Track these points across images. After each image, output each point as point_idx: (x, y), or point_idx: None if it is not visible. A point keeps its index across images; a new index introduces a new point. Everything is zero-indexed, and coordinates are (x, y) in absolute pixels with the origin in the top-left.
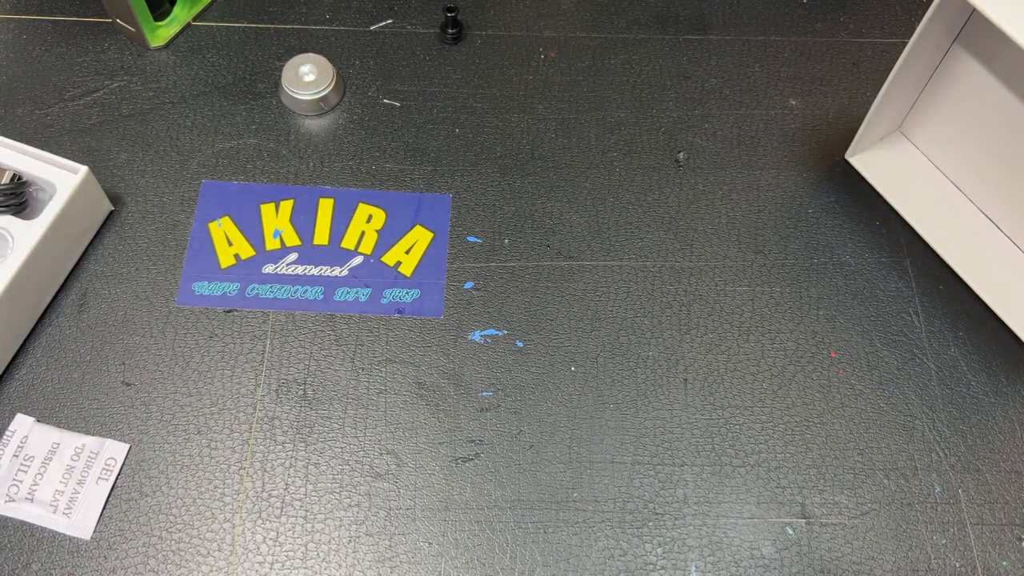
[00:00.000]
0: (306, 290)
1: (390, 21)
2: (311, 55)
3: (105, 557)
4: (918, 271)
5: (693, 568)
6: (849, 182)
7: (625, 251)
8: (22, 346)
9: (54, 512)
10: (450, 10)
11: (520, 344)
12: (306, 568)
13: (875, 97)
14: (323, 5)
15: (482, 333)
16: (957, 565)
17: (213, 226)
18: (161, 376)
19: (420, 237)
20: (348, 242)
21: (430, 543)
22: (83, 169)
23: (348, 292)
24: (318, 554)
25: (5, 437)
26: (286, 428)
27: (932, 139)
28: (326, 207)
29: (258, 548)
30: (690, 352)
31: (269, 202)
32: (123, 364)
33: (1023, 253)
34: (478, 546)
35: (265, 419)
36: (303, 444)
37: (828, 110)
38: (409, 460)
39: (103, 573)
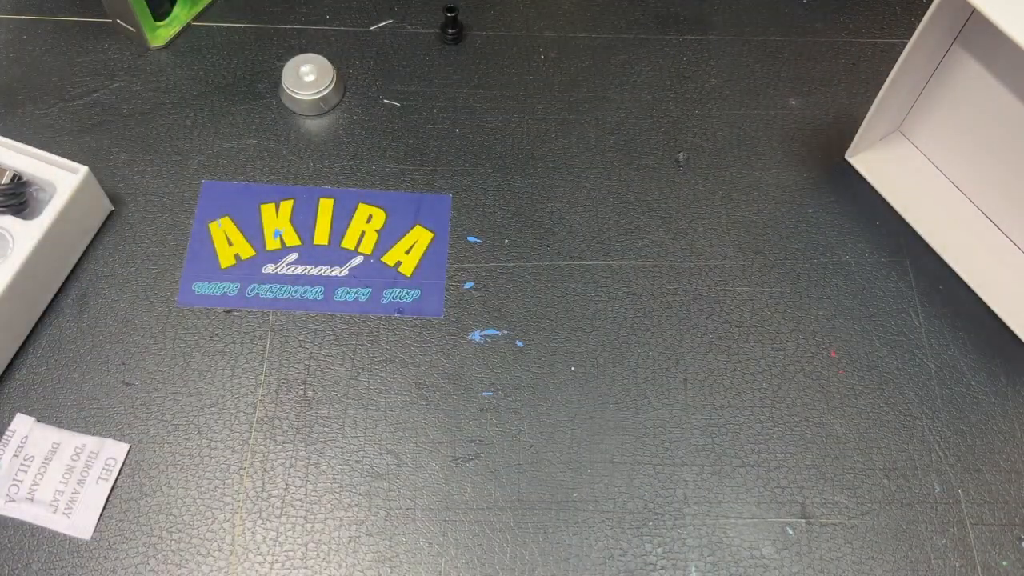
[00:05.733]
0: (306, 290)
1: (390, 21)
2: (311, 55)
3: (105, 557)
4: (918, 271)
5: (693, 568)
6: (849, 182)
7: (625, 251)
8: (22, 346)
9: (54, 512)
10: (450, 10)
11: (520, 344)
12: (306, 568)
13: (875, 97)
14: (323, 5)
15: (482, 333)
16: (957, 565)
17: (213, 226)
18: (161, 376)
19: (420, 237)
20: (348, 242)
21: (430, 543)
22: (83, 169)
23: (348, 292)
24: (318, 554)
25: (5, 437)
26: (286, 428)
27: (932, 139)
28: (326, 207)
29: (258, 548)
30: (690, 352)
31: (269, 202)
32: (123, 364)
33: (1023, 253)
34: (478, 546)
35: (265, 419)
36: (303, 444)
37: (828, 110)
38: (409, 460)
39: (103, 573)
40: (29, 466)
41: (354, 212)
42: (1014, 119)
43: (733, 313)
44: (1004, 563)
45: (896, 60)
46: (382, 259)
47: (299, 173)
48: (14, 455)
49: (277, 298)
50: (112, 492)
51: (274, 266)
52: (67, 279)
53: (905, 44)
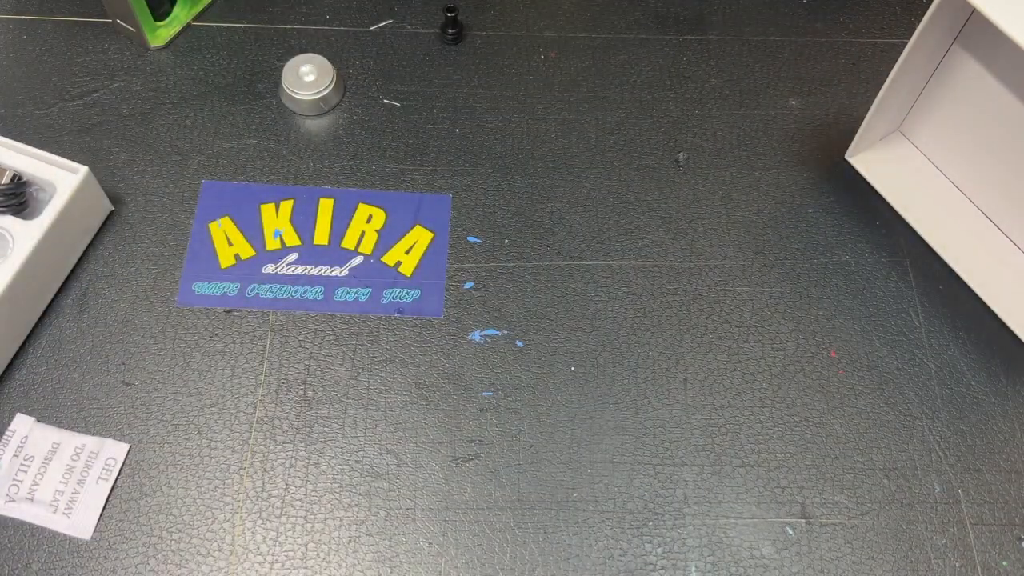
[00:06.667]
0: (306, 290)
1: (390, 21)
2: (311, 55)
3: (105, 557)
4: (918, 271)
5: (693, 568)
6: (849, 182)
7: (625, 251)
8: (22, 346)
9: (54, 512)
10: (450, 10)
11: (520, 344)
12: (306, 568)
13: (875, 97)
14: (323, 5)
15: (482, 333)
16: (957, 565)
17: (213, 226)
18: (161, 376)
19: (420, 237)
20: (348, 242)
21: (430, 543)
22: (83, 169)
23: (348, 292)
24: (318, 554)
25: (5, 437)
26: (286, 428)
27: (932, 139)
28: (326, 207)
29: (258, 548)
30: (690, 352)
31: (269, 202)
32: (123, 364)
33: (1023, 253)
34: (478, 546)
35: (265, 419)
36: (303, 444)
37: (828, 110)
38: (409, 460)
39: (103, 573)
40: (29, 466)
41: (354, 212)
42: (1014, 119)
43: (733, 313)
44: (1004, 563)
45: (896, 60)
46: (382, 259)
47: (299, 173)
48: (14, 455)
49: (277, 298)
50: (112, 492)
51: (274, 266)
52: (67, 279)
53: (905, 44)
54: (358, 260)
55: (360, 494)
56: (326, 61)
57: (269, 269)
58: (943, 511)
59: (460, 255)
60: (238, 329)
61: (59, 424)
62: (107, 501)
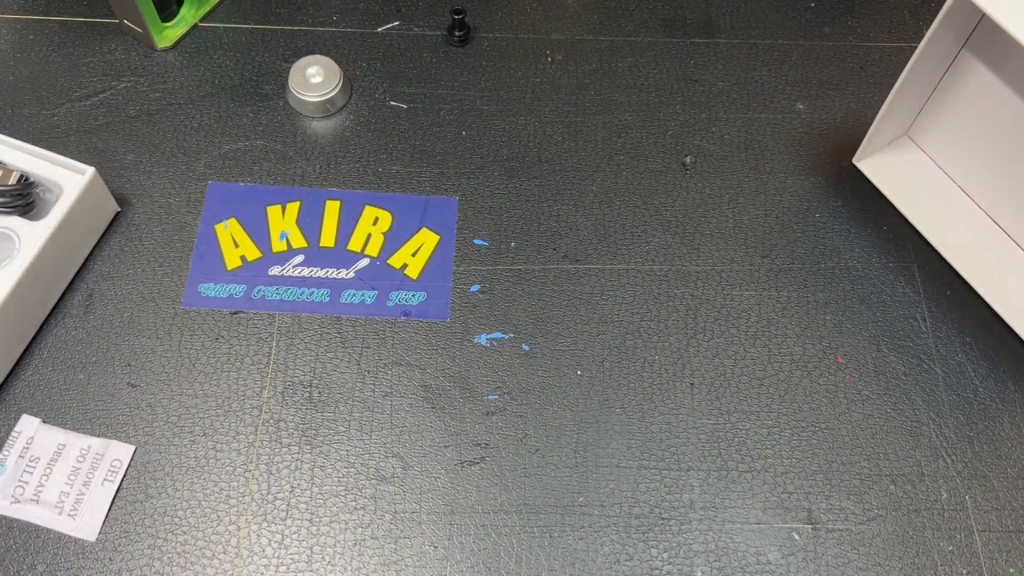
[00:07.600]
0: (312, 292)
1: (397, 23)
2: (318, 57)
3: (110, 559)
4: (925, 276)
5: (699, 573)
6: (856, 187)
7: (632, 255)
8: (28, 347)
9: (59, 514)
10: (457, 12)
11: (526, 347)
12: (311, 571)
13: (883, 102)
14: (330, 7)
15: (488, 336)
16: (964, 572)
17: (219, 228)
18: (167, 378)
19: (426, 239)
20: (354, 244)
21: (435, 547)
22: (90, 170)
23: (354, 294)
24: (323, 557)
25: (11, 438)
26: (292, 430)
27: (940, 144)
28: (332, 209)
29: (263, 551)
30: (696, 356)
31: (275, 204)
32: (129, 365)
33: None
34: (484, 550)
35: (271, 421)
36: (308, 447)
37: (836, 114)
38: (415, 463)
39: (108, 575)
40: (35, 467)
41: (360, 214)
42: (1023, 125)
43: (740, 318)
44: (1012, 570)
45: (904, 64)
46: (388, 261)
47: (305, 175)
48: (20, 456)
49: (283, 300)
50: (117, 494)
51: (280, 268)
52: (73, 280)
53: (914, 48)
54: (364, 262)
55: (365, 497)
56: (333, 63)
57: (275, 271)
58: (950, 517)
59: (466, 258)
60: (244, 331)
61: (65, 425)
62: (112, 503)
